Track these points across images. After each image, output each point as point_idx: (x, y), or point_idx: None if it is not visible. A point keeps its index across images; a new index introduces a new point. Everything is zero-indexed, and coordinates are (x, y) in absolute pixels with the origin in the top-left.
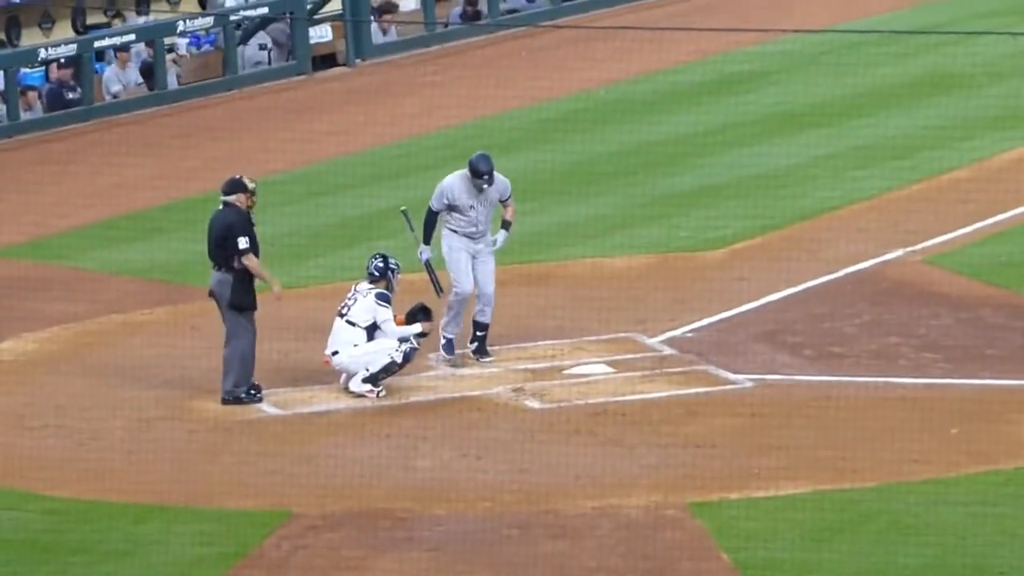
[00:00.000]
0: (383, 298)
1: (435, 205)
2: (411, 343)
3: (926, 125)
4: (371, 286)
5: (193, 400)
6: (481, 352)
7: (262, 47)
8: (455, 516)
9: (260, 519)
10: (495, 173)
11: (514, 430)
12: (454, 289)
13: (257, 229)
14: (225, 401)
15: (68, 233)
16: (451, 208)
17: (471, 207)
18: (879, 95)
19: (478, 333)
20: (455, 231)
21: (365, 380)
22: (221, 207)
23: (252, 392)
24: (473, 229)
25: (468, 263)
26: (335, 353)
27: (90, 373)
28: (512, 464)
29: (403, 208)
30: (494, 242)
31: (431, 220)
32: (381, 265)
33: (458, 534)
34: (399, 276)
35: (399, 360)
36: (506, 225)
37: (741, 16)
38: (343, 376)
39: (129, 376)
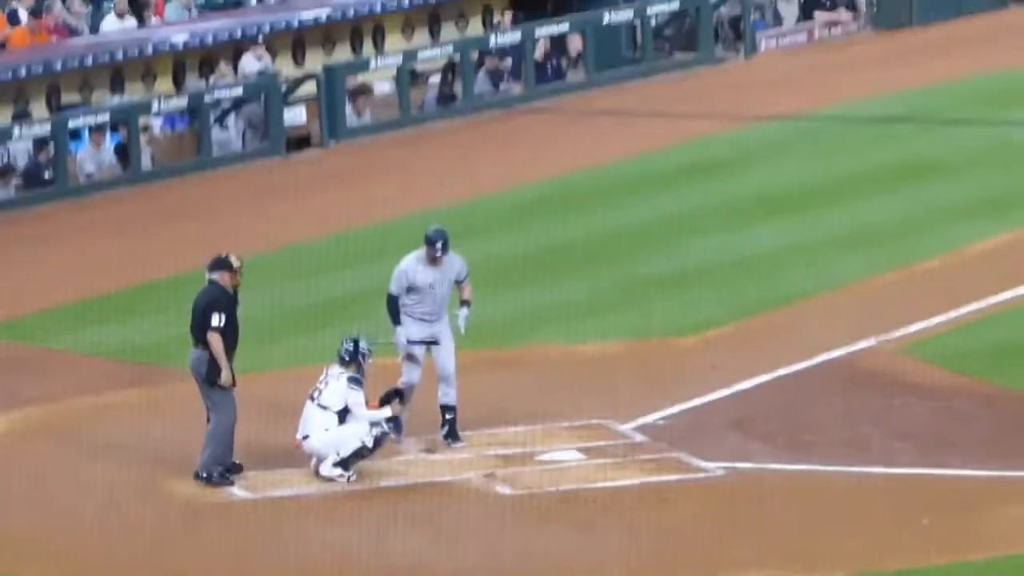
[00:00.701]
0: (355, 382)
1: (394, 289)
2: (382, 427)
3: (902, 213)
4: (342, 369)
5: (165, 482)
6: (452, 436)
7: (223, 127)
8: None
9: None
10: (452, 253)
11: (485, 516)
12: (401, 380)
13: (240, 309)
14: (197, 476)
15: (40, 314)
16: (410, 290)
17: (430, 285)
18: (854, 181)
19: (447, 416)
20: (410, 316)
21: (336, 464)
22: (207, 284)
23: (225, 473)
24: (430, 311)
25: (421, 353)
26: (306, 437)
27: (61, 453)
28: (484, 550)
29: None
30: (457, 319)
31: (394, 305)
32: (351, 349)
33: None
34: (371, 360)
35: (370, 445)
36: (466, 303)
37: (715, 101)
38: (313, 460)
39: (101, 457)
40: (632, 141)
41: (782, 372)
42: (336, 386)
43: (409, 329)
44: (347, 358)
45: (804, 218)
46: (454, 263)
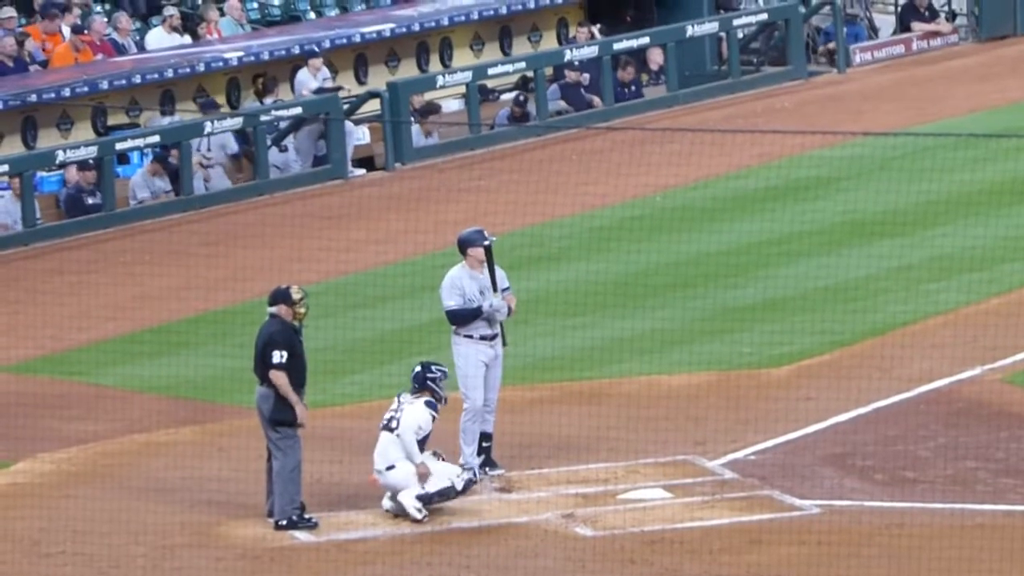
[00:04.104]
0: (432, 407)
1: (452, 302)
2: (474, 472)
3: (1005, 235)
4: (415, 396)
5: (220, 526)
6: (490, 464)
7: (281, 148)
8: None
9: None
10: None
11: (564, 559)
12: (465, 405)
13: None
14: (277, 525)
15: (87, 347)
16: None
17: (480, 293)
18: (955, 203)
19: (483, 444)
20: (471, 337)
21: (419, 496)
22: (268, 318)
23: (303, 515)
24: (488, 330)
25: (483, 375)
26: (391, 468)
27: (110, 496)
28: None
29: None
30: (493, 305)
31: (464, 312)
32: (419, 371)
33: None
34: (445, 383)
35: (458, 487)
36: (508, 312)
37: (806, 119)
38: (385, 497)
39: (152, 500)
40: (717, 161)
41: (881, 404)
42: (411, 411)
43: (471, 350)
44: (417, 384)
45: (901, 241)
46: (496, 270)
